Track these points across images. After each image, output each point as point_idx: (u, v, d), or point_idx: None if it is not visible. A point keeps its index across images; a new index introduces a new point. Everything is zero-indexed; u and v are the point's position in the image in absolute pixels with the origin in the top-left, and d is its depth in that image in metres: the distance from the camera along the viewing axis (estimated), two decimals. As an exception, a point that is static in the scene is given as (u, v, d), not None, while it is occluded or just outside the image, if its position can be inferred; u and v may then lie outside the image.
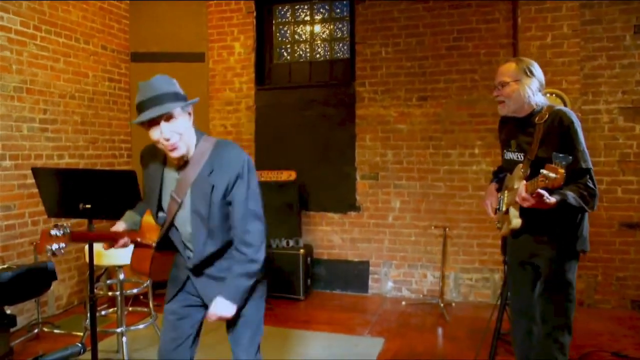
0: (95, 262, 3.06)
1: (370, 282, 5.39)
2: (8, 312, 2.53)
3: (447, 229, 5.03)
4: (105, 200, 2.75)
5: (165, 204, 2.12)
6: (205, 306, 2.16)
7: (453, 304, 4.97)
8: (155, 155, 2.16)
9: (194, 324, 2.23)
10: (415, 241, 5.24)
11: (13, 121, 4.25)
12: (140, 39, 5.62)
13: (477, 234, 5.02)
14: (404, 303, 5.03)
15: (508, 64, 2.57)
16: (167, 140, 1.92)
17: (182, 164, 2.06)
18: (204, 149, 2.04)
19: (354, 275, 5.43)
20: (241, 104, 5.70)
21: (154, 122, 1.91)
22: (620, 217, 4.73)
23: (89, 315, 3.07)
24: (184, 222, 2.09)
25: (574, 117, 2.41)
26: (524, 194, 2.27)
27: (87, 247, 3.08)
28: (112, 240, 2.14)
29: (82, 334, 3.94)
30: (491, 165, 4.93)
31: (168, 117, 1.92)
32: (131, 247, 2.23)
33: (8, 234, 4.20)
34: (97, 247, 3.34)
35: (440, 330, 4.32)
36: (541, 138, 2.42)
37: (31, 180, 4.09)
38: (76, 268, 4.92)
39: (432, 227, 5.13)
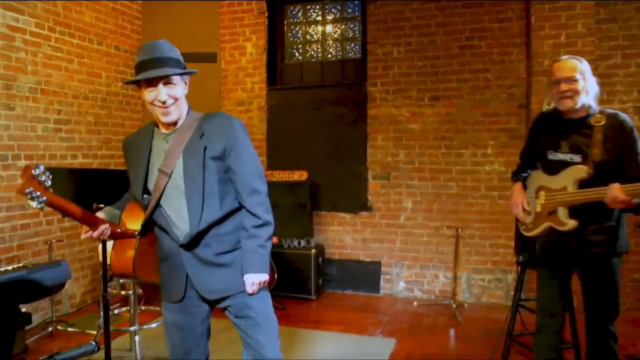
0: (108, 262, 3.08)
1: (382, 283, 5.38)
2: (23, 310, 2.56)
3: (459, 230, 5.00)
4: (118, 200, 2.77)
5: (151, 183, 2.03)
6: (206, 300, 2.09)
7: (465, 305, 4.94)
8: (141, 135, 2.14)
9: (203, 320, 2.14)
10: (427, 241, 5.22)
11: (28, 121, 4.30)
12: (153, 40, 5.64)
13: (489, 235, 4.99)
14: (415, 304, 5.01)
15: (571, 60, 2.54)
16: (163, 102, 1.93)
17: (171, 131, 2.04)
18: (193, 118, 2.04)
19: (366, 275, 5.42)
20: (253, 104, 5.71)
21: (151, 83, 1.92)
22: (635, 218, 4.66)
23: (102, 314, 3.10)
24: (174, 196, 2.00)
25: (631, 122, 2.48)
26: (621, 196, 2.28)
27: (100, 246, 3.10)
28: (91, 224, 1.97)
29: (95, 332, 3.97)
30: (504, 166, 4.90)
31: (167, 81, 1.93)
32: (110, 245, 2.15)
33: (23, 233, 4.24)
34: (110, 246, 3.37)
35: (452, 331, 4.30)
36: (602, 140, 2.43)
37: (46, 180, 4.13)
38: (89, 267, 4.96)
39: (444, 228, 5.10)
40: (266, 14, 5.65)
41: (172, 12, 5.63)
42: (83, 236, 2.01)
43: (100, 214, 2.07)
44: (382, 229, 5.38)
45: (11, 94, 4.14)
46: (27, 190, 1.67)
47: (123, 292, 4.28)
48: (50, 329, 4.16)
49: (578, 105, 2.49)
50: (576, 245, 2.54)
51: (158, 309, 4.31)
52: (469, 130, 5.03)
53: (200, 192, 1.95)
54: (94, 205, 2.79)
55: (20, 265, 2.73)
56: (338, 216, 5.52)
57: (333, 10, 5.73)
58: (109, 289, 3.08)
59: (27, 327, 3.40)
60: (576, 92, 2.47)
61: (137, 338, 3.58)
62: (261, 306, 2.10)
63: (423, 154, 5.20)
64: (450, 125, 5.09)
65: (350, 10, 5.66)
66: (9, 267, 2.65)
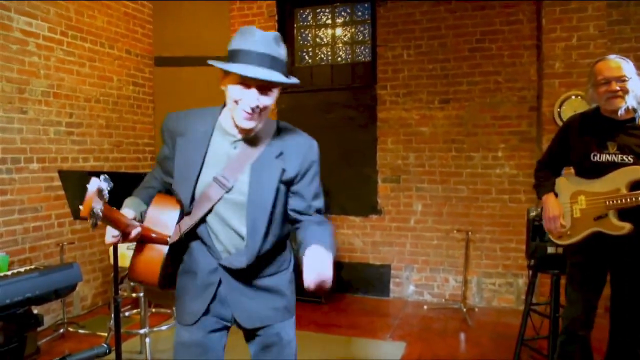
0: (119, 264, 3.10)
1: (391, 286, 5.36)
2: (35, 311, 2.58)
3: (469, 233, 4.97)
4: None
5: (200, 188, 1.72)
6: (227, 328, 1.84)
7: (476, 309, 4.91)
8: (196, 122, 1.77)
9: (221, 349, 1.86)
10: (437, 245, 5.20)
11: (40, 125, 4.34)
12: (164, 44, 5.69)
13: (500, 238, 4.95)
14: (425, 307, 4.99)
15: (619, 60, 2.48)
16: (255, 107, 1.61)
17: (244, 136, 1.72)
18: (268, 127, 1.76)
19: (376, 278, 5.41)
20: (263, 107, 5.71)
21: (249, 82, 1.59)
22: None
23: (113, 316, 3.11)
24: (228, 211, 1.71)
25: None
26: None
27: (111, 248, 3.12)
28: (125, 228, 1.63)
29: (106, 334, 3.99)
30: (515, 169, 4.87)
31: (267, 87, 1.62)
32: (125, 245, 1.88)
33: (35, 235, 4.28)
34: (122, 248, 3.39)
35: (462, 335, 4.27)
36: None
37: (57, 183, 4.17)
38: (100, 269, 4.99)
39: (455, 231, 5.08)
40: (276, 17, 5.66)
41: (183, 16, 5.66)
42: (109, 242, 1.68)
43: (129, 212, 1.74)
44: (392, 232, 5.36)
45: (24, 97, 4.18)
46: (95, 211, 1.38)
47: (134, 295, 4.30)
48: (61, 330, 4.19)
49: (628, 105, 2.44)
50: (624, 247, 2.48)
51: (169, 311, 4.33)
52: (480, 133, 5.01)
53: (266, 217, 1.70)
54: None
55: (33, 267, 2.75)
56: (348, 219, 5.51)
57: (343, 13, 5.73)
58: (119, 292, 3.10)
59: (38, 329, 3.42)
60: (626, 92, 2.42)
61: (147, 340, 3.60)
62: (289, 333, 1.87)
63: (433, 157, 5.19)
64: (460, 128, 5.07)
65: (360, 13, 5.66)
66: (22, 269, 2.67)
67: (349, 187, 5.45)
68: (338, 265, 5.48)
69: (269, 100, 1.64)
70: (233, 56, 1.60)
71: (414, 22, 5.18)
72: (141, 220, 1.77)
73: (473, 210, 5.05)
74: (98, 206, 1.39)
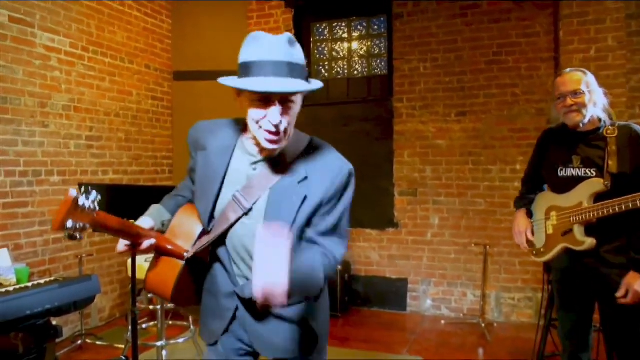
0: (136, 276, 3.12)
1: (408, 300, 5.32)
2: (54, 323, 2.61)
3: (487, 247, 4.92)
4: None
5: (219, 207, 1.59)
6: (253, 354, 1.72)
7: (494, 324, 4.84)
8: (222, 137, 1.62)
9: None
10: (455, 259, 5.15)
11: (61, 138, 4.42)
12: (183, 58, 5.77)
13: (519, 252, 4.89)
14: (443, 322, 4.93)
15: (575, 73, 2.45)
16: (276, 127, 1.41)
17: (265, 157, 1.55)
18: (296, 145, 1.56)
19: (392, 292, 5.37)
20: (279, 120, 5.75)
21: (266, 98, 1.39)
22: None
23: (130, 328, 3.13)
24: (244, 236, 1.56)
25: None
26: None
27: (129, 261, 3.14)
28: (135, 239, 1.54)
29: (123, 346, 4.01)
30: (533, 182, 4.81)
31: (287, 99, 1.42)
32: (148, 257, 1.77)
33: (55, 247, 4.33)
34: (139, 260, 3.42)
35: (481, 351, 4.21)
36: (617, 152, 2.33)
37: (77, 196, 4.22)
38: (118, 281, 5.03)
39: (472, 245, 5.03)
40: (293, 31, 5.71)
41: (201, 31, 5.74)
42: (120, 251, 1.60)
43: (147, 220, 1.65)
44: (408, 245, 5.33)
45: (45, 111, 4.27)
46: (68, 225, 1.30)
47: (151, 307, 4.32)
48: (79, 342, 4.22)
49: (586, 119, 2.40)
50: (594, 268, 2.41)
51: (185, 323, 4.34)
52: (497, 146, 4.97)
53: None
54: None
55: (53, 279, 2.79)
56: (364, 232, 5.49)
57: (359, 27, 5.76)
58: (137, 304, 3.12)
59: (57, 340, 3.46)
60: (583, 106, 2.38)
61: (164, 353, 3.61)
62: None
63: (450, 170, 5.16)
64: (477, 141, 5.05)
65: (376, 27, 5.68)
66: (42, 281, 2.71)
67: (365, 200, 5.43)
68: (354, 279, 5.45)
69: (293, 111, 1.46)
70: (245, 70, 1.41)
71: (430, 35, 5.19)
72: (162, 230, 1.69)
73: (491, 224, 5.00)
74: (74, 221, 1.31)
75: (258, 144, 1.52)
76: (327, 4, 5.65)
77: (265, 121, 1.42)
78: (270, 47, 1.38)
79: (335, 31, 5.86)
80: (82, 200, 1.31)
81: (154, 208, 1.75)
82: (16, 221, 4.01)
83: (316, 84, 1.47)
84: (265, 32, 1.44)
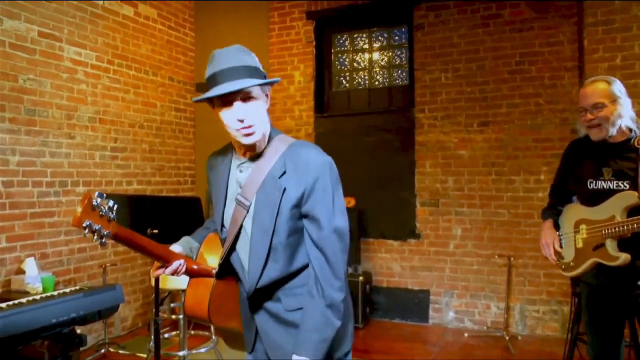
0: (181, 301, 3.14)
1: (430, 312, 5.25)
2: (79, 331, 2.64)
3: (511, 258, 4.85)
4: (171, 225, 2.84)
5: (228, 215, 1.71)
6: None
7: (519, 337, 4.75)
8: (223, 155, 1.80)
9: None
10: (478, 270, 5.08)
11: (87, 149, 4.50)
12: (205, 70, 5.84)
13: (543, 264, 4.80)
14: (466, 335, 4.86)
15: (598, 84, 2.36)
16: (242, 121, 1.56)
17: (252, 157, 1.69)
18: (277, 146, 1.67)
19: (414, 304, 5.31)
20: (301, 131, 5.78)
21: (227, 100, 1.56)
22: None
23: (153, 337, 3.15)
24: (248, 240, 1.68)
25: None
26: None
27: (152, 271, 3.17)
28: (164, 260, 1.69)
29: (145, 355, 4.04)
30: (558, 192, 4.73)
31: (245, 96, 1.57)
32: (185, 280, 1.80)
33: (80, 256, 4.40)
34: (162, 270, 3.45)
35: (505, 365, 4.14)
36: None
37: (102, 206, 4.29)
38: (141, 291, 5.08)
39: (496, 256, 4.96)
40: (314, 43, 5.75)
41: (224, 43, 5.77)
42: (155, 274, 1.75)
43: (176, 247, 1.79)
44: (430, 256, 5.28)
45: (72, 123, 4.36)
46: (84, 224, 1.44)
47: (173, 317, 4.35)
48: (102, 350, 4.27)
49: (611, 133, 2.32)
50: (627, 285, 2.33)
51: (207, 333, 4.35)
52: (521, 157, 4.91)
53: (266, 244, 1.61)
54: (148, 231, 2.87)
55: (78, 288, 2.83)
56: (386, 243, 5.46)
57: (380, 38, 5.77)
58: (159, 313, 3.14)
59: (81, 348, 3.50)
60: (605, 119, 2.30)
61: (186, 363, 3.62)
62: None
63: (473, 181, 5.11)
64: (500, 152, 4.99)
65: (397, 37, 5.69)
66: (67, 290, 2.75)
67: (387, 210, 5.41)
68: (375, 290, 5.42)
69: (256, 106, 1.59)
70: (208, 85, 1.61)
71: (451, 46, 5.17)
72: (191, 256, 1.81)
73: (515, 235, 4.93)
74: (91, 222, 1.45)
75: (240, 147, 1.69)
76: (347, 15, 5.68)
77: (234, 120, 1.57)
78: (218, 60, 1.60)
79: (356, 42, 5.88)
80: (96, 202, 1.46)
81: (183, 239, 1.88)
82: (43, 231, 4.09)
83: (268, 80, 1.65)
84: (219, 49, 1.65)
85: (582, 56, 4.62)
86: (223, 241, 1.76)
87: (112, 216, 1.51)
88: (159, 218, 2.87)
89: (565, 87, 4.77)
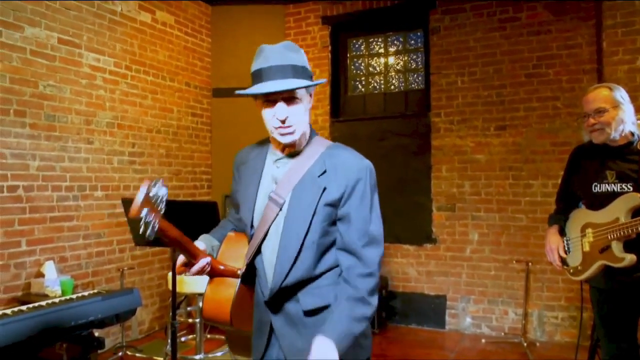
0: (200, 304, 3.16)
1: (447, 317, 5.21)
2: (97, 334, 2.66)
3: (529, 264, 4.79)
4: (188, 230, 2.85)
5: (258, 213, 1.67)
6: None
7: (537, 344, 4.69)
8: (257, 150, 1.79)
9: None
10: (495, 275, 5.03)
11: (105, 154, 4.56)
12: (222, 76, 5.89)
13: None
14: (483, 341, 4.81)
15: (600, 90, 2.45)
16: (282, 121, 1.56)
17: (291, 154, 1.68)
18: (316, 146, 1.67)
19: (431, 309, 5.27)
20: (316, 135, 5.78)
21: (270, 99, 1.56)
22: None
23: (169, 341, 3.17)
24: (277, 235, 1.64)
25: None
26: None
27: (169, 274, 3.20)
28: (192, 256, 1.64)
29: (162, 358, 4.06)
30: (577, 197, 4.67)
31: (289, 97, 1.55)
32: (202, 284, 1.79)
33: (98, 260, 4.45)
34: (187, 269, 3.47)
35: (524, 371, 4.08)
36: None
37: (120, 210, 4.34)
38: (158, 294, 5.11)
39: (514, 261, 4.90)
40: (329, 47, 5.76)
41: (240, 49, 5.85)
42: (180, 271, 1.71)
43: (199, 244, 1.73)
44: (447, 261, 5.24)
45: (91, 128, 4.41)
46: (142, 214, 1.37)
47: (190, 320, 4.37)
48: (120, 353, 4.30)
49: (612, 137, 2.39)
50: (635, 285, 2.34)
51: (223, 337, 4.37)
52: (538, 160, 4.86)
53: (299, 241, 1.58)
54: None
55: (96, 291, 2.85)
56: (402, 248, 5.43)
57: (395, 42, 5.77)
58: (176, 317, 3.16)
59: (99, 351, 3.53)
60: (606, 124, 2.37)
61: (202, 366, 3.64)
62: None
63: (490, 185, 5.06)
64: (518, 155, 4.94)
65: (412, 42, 5.68)
66: (85, 293, 2.78)
67: (403, 215, 5.38)
68: (391, 295, 5.39)
69: (299, 107, 1.58)
70: (253, 79, 1.59)
71: (467, 49, 5.14)
72: (212, 255, 1.75)
73: (533, 240, 4.87)
74: (149, 213, 1.38)
75: (278, 143, 1.67)
76: (363, 19, 5.69)
77: (274, 119, 1.57)
78: (266, 56, 1.57)
79: (372, 46, 5.88)
80: (154, 191, 1.43)
81: (203, 236, 1.83)
82: (62, 234, 4.15)
83: (314, 82, 1.60)
84: (267, 45, 1.62)
85: (600, 58, 4.57)
86: (249, 239, 1.71)
87: (162, 207, 1.46)
88: (175, 222, 2.88)
89: (584, 90, 4.64)
